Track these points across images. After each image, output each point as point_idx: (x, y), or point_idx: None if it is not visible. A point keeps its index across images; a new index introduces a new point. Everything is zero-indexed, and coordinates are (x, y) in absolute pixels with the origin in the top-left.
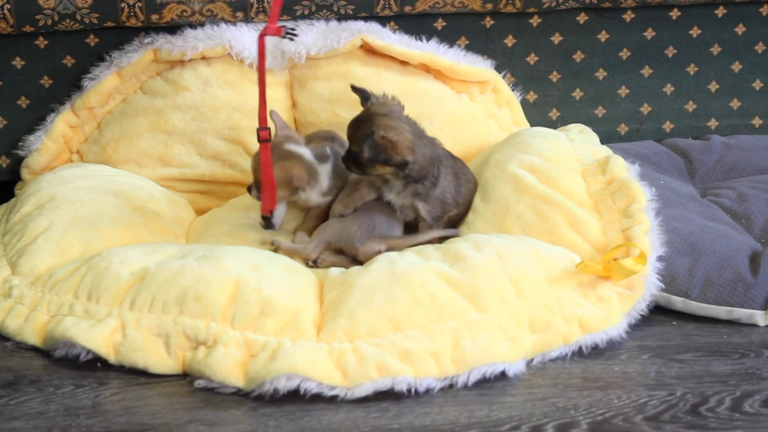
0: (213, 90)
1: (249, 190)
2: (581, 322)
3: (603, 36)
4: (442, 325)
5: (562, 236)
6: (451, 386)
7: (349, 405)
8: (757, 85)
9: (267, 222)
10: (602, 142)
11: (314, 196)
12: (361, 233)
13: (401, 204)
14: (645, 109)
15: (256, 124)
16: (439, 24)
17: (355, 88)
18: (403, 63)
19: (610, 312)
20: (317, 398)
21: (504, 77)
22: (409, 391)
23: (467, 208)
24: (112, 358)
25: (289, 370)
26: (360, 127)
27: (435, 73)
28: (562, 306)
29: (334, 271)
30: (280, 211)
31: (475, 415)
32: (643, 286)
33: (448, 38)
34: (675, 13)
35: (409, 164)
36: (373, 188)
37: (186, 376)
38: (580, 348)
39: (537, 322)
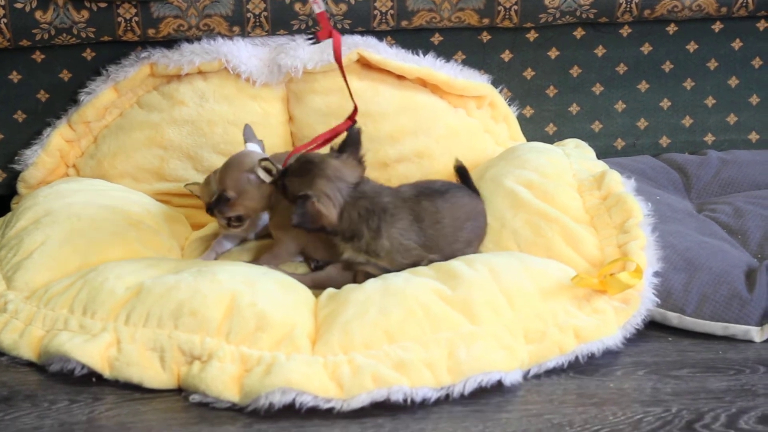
0: (209, 104)
1: (210, 210)
2: (577, 331)
3: (600, 51)
4: (436, 336)
5: (558, 252)
6: (447, 400)
7: (344, 420)
8: (754, 100)
9: None
10: (599, 157)
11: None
12: None
13: (364, 264)
14: (641, 123)
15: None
16: (436, 39)
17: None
18: (400, 77)
19: (605, 323)
20: (313, 413)
21: (501, 92)
22: (405, 403)
23: (460, 245)
24: (107, 373)
25: (284, 384)
26: (302, 180)
27: (432, 88)
28: (556, 317)
29: (329, 288)
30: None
31: (470, 431)
32: (639, 300)
33: (444, 53)
34: (672, 28)
35: (328, 228)
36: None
37: (181, 391)
38: (577, 362)
39: (531, 333)
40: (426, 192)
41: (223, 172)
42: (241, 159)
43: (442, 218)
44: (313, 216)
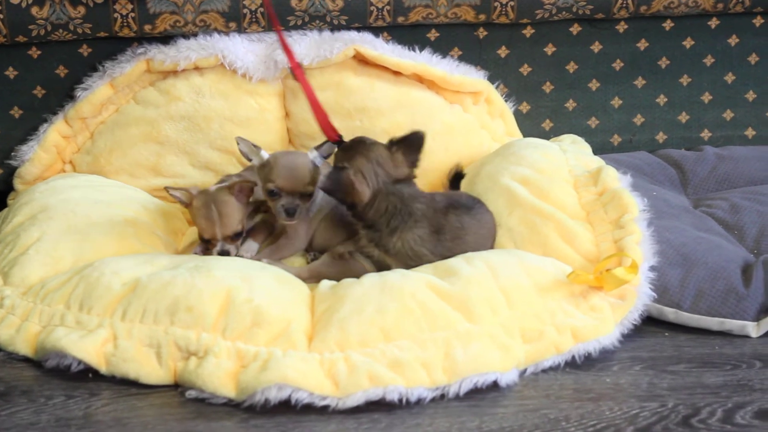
0: (206, 100)
1: (203, 240)
2: (574, 331)
3: (596, 47)
4: (433, 335)
5: (554, 248)
6: (442, 397)
7: (340, 416)
8: (750, 96)
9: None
10: (595, 152)
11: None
12: None
13: (378, 258)
14: (638, 119)
15: (249, 135)
16: (432, 35)
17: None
18: (396, 73)
19: (602, 321)
20: (308, 409)
21: (497, 88)
22: (400, 401)
23: None
24: (103, 369)
25: (280, 380)
26: (345, 155)
27: (428, 84)
28: (553, 316)
29: (326, 283)
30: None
31: (466, 426)
32: (636, 296)
33: (441, 49)
34: (668, 24)
35: (358, 207)
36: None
37: (177, 387)
38: (573, 358)
39: (529, 332)
40: (455, 206)
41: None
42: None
43: (465, 234)
44: (345, 186)
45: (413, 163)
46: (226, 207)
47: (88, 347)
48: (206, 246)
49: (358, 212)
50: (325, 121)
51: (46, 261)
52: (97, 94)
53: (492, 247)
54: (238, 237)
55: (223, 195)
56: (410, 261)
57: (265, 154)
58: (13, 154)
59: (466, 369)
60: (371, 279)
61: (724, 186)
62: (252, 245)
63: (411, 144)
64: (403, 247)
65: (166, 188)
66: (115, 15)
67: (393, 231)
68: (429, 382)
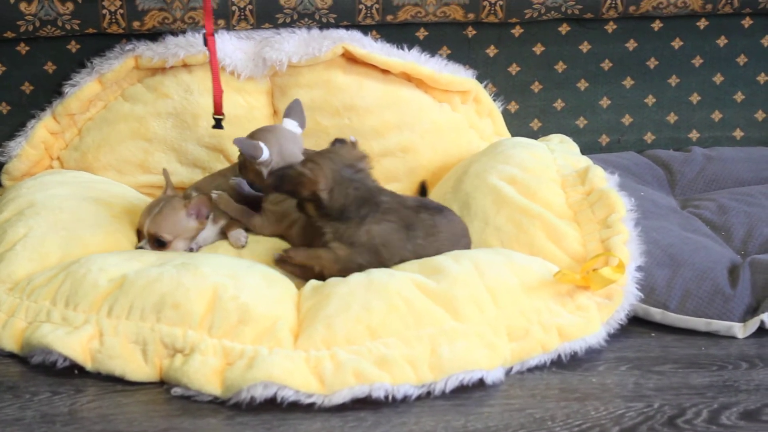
0: (194, 97)
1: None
2: (560, 330)
3: (585, 47)
4: (419, 333)
5: (541, 248)
6: (428, 395)
7: (326, 414)
8: (739, 97)
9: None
10: (583, 152)
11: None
12: None
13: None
14: (626, 120)
15: (238, 132)
16: (421, 33)
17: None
18: (385, 72)
19: (588, 320)
20: (294, 407)
21: (486, 87)
22: (386, 399)
23: None
24: (89, 365)
25: (266, 378)
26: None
27: (416, 82)
28: (540, 314)
29: (312, 282)
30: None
31: (451, 425)
32: (622, 295)
33: (430, 47)
34: (657, 25)
35: (320, 199)
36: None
37: (163, 384)
38: (559, 358)
39: (515, 331)
40: (426, 205)
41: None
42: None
43: (438, 232)
44: (294, 178)
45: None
46: (170, 212)
47: (74, 344)
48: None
49: (322, 205)
50: (219, 98)
51: (32, 257)
52: (85, 91)
53: (468, 248)
54: (161, 245)
55: (176, 202)
56: (382, 251)
57: (266, 150)
58: (0, 150)
59: (452, 366)
60: (357, 278)
61: (712, 187)
62: (240, 234)
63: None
64: (372, 238)
65: (164, 170)
66: (104, 11)
67: (363, 219)
68: (415, 380)
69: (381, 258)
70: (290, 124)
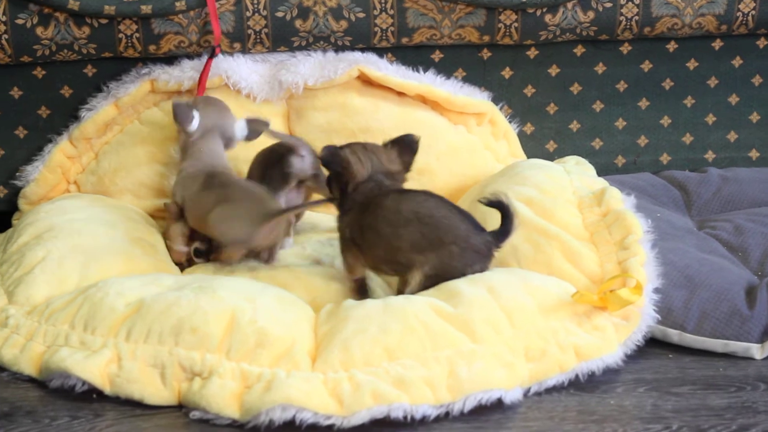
0: None
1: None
2: (577, 349)
3: (600, 68)
4: (436, 354)
5: (558, 268)
6: (447, 416)
7: None
8: (754, 117)
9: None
10: (599, 174)
11: None
12: None
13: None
14: (642, 141)
15: (251, 155)
16: (437, 56)
17: None
18: (400, 94)
19: (605, 340)
20: (313, 428)
21: (501, 109)
22: (405, 419)
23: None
24: (107, 390)
25: (284, 400)
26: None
27: (432, 105)
28: (556, 335)
29: (329, 305)
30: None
31: None
32: (639, 317)
33: (445, 70)
34: (672, 46)
35: (348, 187)
36: None
37: (181, 408)
38: (577, 379)
39: (532, 351)
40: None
41: None
42: None
43: (404, 223)
44: (342, 161)
45: (407, 165)
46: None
47: (93, 368)
48: None
49: (345, 192)
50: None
51: (51, 280)
52: (102, 115)
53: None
54: None
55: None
56: (400, 223)
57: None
58: (17, 174)
59: (471, 386)
60: (374, 302)
61: (728, 208)
62: (287, 240)
63: (406, 145)
64: (377, 219)
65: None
66: (120, 35)
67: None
68: (433, 400)
69: (397, 230)
70: (242, 124)
